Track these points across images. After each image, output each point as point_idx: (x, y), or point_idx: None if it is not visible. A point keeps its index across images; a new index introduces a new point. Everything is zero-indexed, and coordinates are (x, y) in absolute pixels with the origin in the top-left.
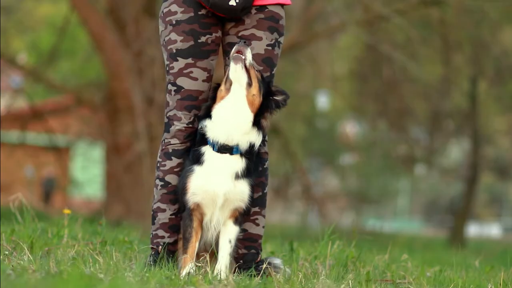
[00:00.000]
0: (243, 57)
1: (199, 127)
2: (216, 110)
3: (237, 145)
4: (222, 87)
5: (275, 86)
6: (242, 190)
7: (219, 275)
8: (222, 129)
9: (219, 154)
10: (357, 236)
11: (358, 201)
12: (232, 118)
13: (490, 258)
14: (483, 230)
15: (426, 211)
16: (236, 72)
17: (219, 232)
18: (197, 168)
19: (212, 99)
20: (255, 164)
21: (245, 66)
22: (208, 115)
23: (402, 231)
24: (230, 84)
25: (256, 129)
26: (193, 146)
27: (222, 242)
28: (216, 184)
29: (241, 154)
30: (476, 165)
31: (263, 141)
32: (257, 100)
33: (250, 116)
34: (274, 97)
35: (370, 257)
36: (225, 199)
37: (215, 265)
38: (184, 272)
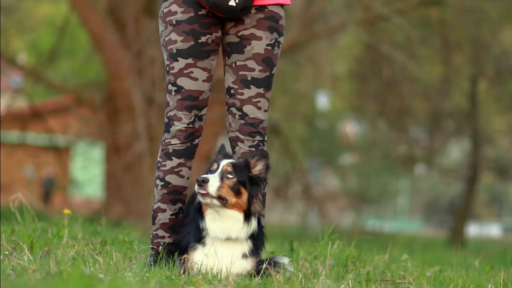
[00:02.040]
0: (205, 192)
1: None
2: (207, 219)
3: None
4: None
5: (249, 157)
6: (247, 267)
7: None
8: (218, 231)
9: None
10: (357, 236)
11: (358, 201)
12: (224, 224)
13: (490, 258)
14: (483, 230)
15: (426, 211)
16: (205, 202)
17: None
18: (199, 247)
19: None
20: (259, 240)
21: (212, 194)
22: (200, 210)
23: (402, 231)
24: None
25: (250, 219)
26: (192, 217)
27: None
28: (223, 266)
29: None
30: (476, 165)
31: (263, 141)
32: (243, 201)
33: (240, 218)
34: (255, 174)
35: (370, 257)
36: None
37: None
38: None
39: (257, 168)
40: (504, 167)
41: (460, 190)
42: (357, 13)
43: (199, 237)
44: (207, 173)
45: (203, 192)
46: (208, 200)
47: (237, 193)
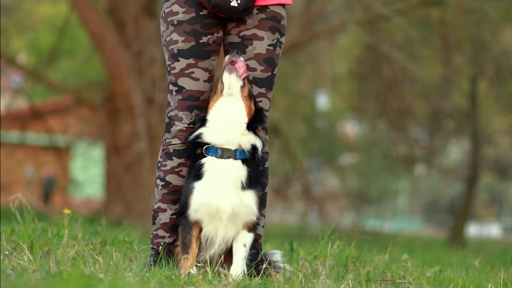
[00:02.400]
0: (237, 69)
1: (195, 138)
2: (211, 114)
3: (240, 149)
4: (216, 96)
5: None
6: (248, 203)
7: (234, 277)
8: (219, 131)
9: (220, 163)
10: (357, 236)
11: (358, 201)
12: (228, 118)
13: (490, 258)
14: (483, 230)
15: (426, 211)
16: (230, 79)
17: (225, 247)
18: (197, 184)
19: (204, 112)
20: (257, 173)
21: (240, 75)
22: (203, 124)
23: (402, 231)
24: (222, 89)
25: (252, 132)
26: (191, 161)
27: (237, 247)
28: (221, 199)
29: (243, 161)
30: (476, 165)
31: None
32: (250, 110)
33: (245, 116)
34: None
35: (370, 257)
36: (232, 214)
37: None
38: (186, 271)
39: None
40: (504, 167)
41: (460, 190)
42: (357, 13)
43: (197, 171)
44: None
45: (236, 65)
46: (233, 76)
47: (249, 93)
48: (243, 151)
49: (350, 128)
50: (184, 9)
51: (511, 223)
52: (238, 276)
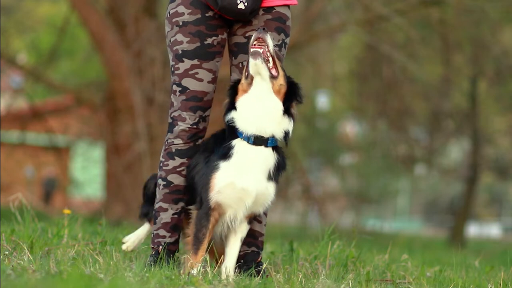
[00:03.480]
0: (263, 49)
1: (226, 120)
2: (242, 102)
3: (272, 136)
4: (243, 81)
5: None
6: (270, 194)
7: (227, 272)
8: (253, 120)
9: (251, 148)
10: (357, 236)
11: (358, 201)
12: (261, 109)
13: (490, 258)
14: (483, 230)
15: (426, 211)
16: (256, 66)
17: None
18: (223, 164)
19: (232, 94)
20: (283, 163)
21: (269, 54)
22: (232, 107)
23: (402, 231)
24: (252, 79)
25: (287, 116)
26: (217, 142)
27: (235, 241)
28: (249, 182)
29: (273, 148)
30: (476, 165)
31: None
32: (283, 88)
33: (279, 105)
34: (295, 85)
35: (370, 257)
36: (255, 200)
37: (219, 263)
38: (193, 271)
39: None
40: (504, 167)
41: (460, 190)
42: (357, 13)
43: (225, 152)
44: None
45: (261, 48)
46: (259, 61)
47: (284, 76)
48: (274, 139)
49: (350, 128)
50: (190, 11)
51: (511, 223)
52: (231, 269)
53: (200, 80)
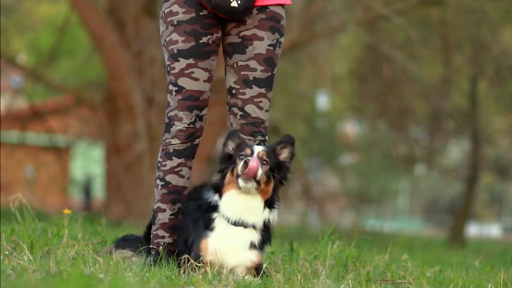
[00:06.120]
0: (254, 177)
1: (209, 199)
2: (228, 196)
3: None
4: (232, 179)
5: (276, 143)
6: (252, 259)
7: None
8: (236, 213)
9: (231, 227)
10: (357, 236)
11: (358, 201)
12: (246, 207)
13: (490, 258)
14: (483, 230)
15: (426, 211)
16: (246, 187)
17: None
18: (208, 234)
19: (221, 178)
20: (268, 233)
21: (257, 179)
22: (218, 191)
23: (402, 231)
24: (237, 184)
25: (270, 208)
26: (202, 210)
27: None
28: (227, 256)
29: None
30: (476, 165)
31: (264, 141)
32: (271, 187)
33: (261, 205)
34: (281, 161)
35: (370, 257)
36: (237, 268)
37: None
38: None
39: (283, 155)
40: (504, 167)
41: (460, 190)
42: (357, 13)
43: (208, 224)
44: (238, 157)
45: (251, 176)
46: (249, 184)
47: (267, 181)
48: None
49: (350, 128)
50: (184, 9)
51: (511, 223)
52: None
53: (196, 79)
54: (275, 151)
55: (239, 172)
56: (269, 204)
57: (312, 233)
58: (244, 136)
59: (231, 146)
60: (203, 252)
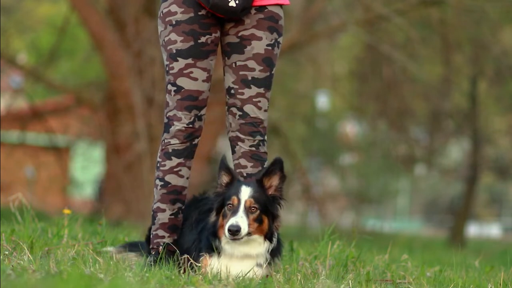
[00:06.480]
0: (240, 238)
1: (211, 238)
2: (224, 241)
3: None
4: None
5: (262, 175)
6: (258, 274)
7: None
8: (236, 252)
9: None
10: (357, 236)
11: (358, 201)
12: (244, 248)
13: (490, 258)
14: (483, 230)
15: (426, 211)
16: (235, 245)
17: None
18: (214, 255)
19: (216, 220)
20: (276, 251)
21: (244, 236)
22: (214, 235)
23: (402, 231)
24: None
25: (271, 238)
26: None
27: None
28: (234, 271)
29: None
30: (476, 165)
31: (263, 140)
32: (265, 227)
33: (261, 240)
34: (272, 195)
35: (370, 257)
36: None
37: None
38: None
39: (273, 184)
40: (504, 167)
41: (460, 190)
42: (357, 13)
43: (209, 245)
44: (229, 212)
45: (237, 238)
46: (238, 242)
47: (261, 223)
48: None
49: (350, 128)
50: (183, 9)
51: (511, 223)
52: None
53: (195, 79)
54: (263, 186)
55: (226, 234)
56: (269, 237)
57: (312, 233)
58: (243, 136)
59: (223, 180)
60: (204, 268)
